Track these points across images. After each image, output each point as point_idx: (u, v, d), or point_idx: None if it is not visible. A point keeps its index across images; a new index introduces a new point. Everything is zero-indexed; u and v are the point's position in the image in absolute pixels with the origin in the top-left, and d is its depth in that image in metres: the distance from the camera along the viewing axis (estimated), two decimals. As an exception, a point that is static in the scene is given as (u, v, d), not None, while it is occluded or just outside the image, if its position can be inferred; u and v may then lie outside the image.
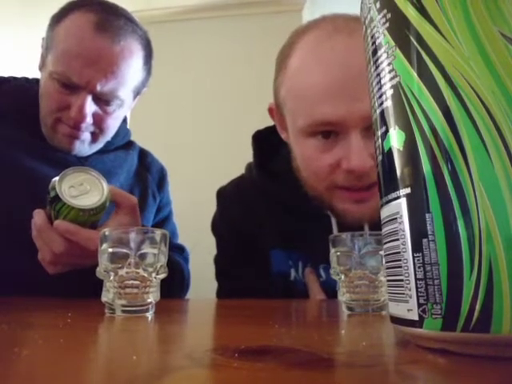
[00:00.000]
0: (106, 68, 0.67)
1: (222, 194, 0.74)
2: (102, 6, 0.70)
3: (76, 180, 0.53)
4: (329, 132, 0.54)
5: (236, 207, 0.70)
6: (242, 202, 0.70)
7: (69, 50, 0.66)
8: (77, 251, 0.53)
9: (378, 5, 0.23)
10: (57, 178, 0.53)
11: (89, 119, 0.69)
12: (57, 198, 0.52)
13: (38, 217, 0.55)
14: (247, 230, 0.67)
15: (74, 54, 0.66)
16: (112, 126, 0.75)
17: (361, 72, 0.29)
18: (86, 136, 0.72)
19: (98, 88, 0.67)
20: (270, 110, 0.66)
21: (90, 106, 0.68)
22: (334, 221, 0.60)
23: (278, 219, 0.65)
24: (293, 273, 0.64)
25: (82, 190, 0.53)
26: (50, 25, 0.71)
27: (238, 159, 0.85)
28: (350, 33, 0.52)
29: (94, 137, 0.73)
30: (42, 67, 0.73)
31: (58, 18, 0.70)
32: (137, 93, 0.77)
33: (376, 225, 0.25)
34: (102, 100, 0.69)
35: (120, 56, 0.68)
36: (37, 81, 0.81)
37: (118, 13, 0.70)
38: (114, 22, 0.68)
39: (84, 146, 0.73)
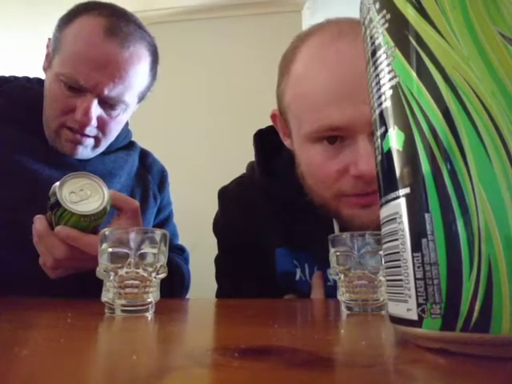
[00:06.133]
0: (114, 73, 0.67)
1: (224, 194, 0.74)
2: (111, 10, 0.70)
3: (76, 185, 0.53)
4: (335, 137, 0.52)
5: (238, 207, 0.70)
6: (244, 201, 0.69)
7: (78, 53, 0.67)
8: (78, 256, 0.53)
9: (377, 5, 0.23)
10: (57, 184, 0.52)
11: (94, 122, 0.69)
12: (57, 204, 0.52)
13: (39, 223, 0.55)
14: (249, 230, 0.67)
15: (82, 58, 0.66)
16: (115, 130, 0.75)
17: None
18: (89, 142, 0.72)
19: (106, 92, 0.67)
20: (273, 117, 0.65)
21: (96, 110, 0.68)
22: (336, 225, 0.59)
23: (280, 219, 0.65)
24: (298, 273, 0.63)
25: (83, 195, 0.53)
26: (58, 26, 0.71)
27: (238, 159, 0.85)
28: (355, 36, 0.51)
29: (97, 141, 0.73)
30: (47, 68, 0.73)
31: (67, 20, 0.70)
32: (141, 98, 0.77)
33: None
34: (108, 104, 0.70)
35: (128, 61, 0.68)
36: (38, 80, 0.81)
37: (128, 18, 0.71)
38: (124, 27, 0.68)
39: (87, 151, 0.74)
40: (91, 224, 0.53)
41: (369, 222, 0.53)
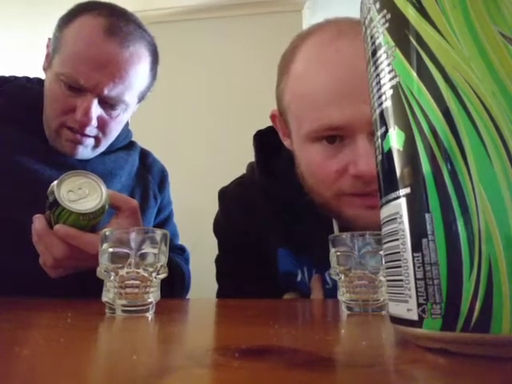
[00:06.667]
0: (115, 72, 0.67)
1: (224, 194, 0.74)
2: (111, 10, 0.70)
3: (74, 184, 0.53)
4: (334, 137, 0.52)
5: (238, 207, 0.70)
6: (244, 201, 0.69)
7: (78, 53, 0.67)
8: (77, 255, 0.53)
9: (377, 5, 0.23)
10: (55, 183, 0.53)
11: (94, 122, 0.69)
12: (56, 203, 0.52)
13: (38, 222, 0.55)
14: (250, 230, 0.67)
15: (82, 57, 0.66)
16: (115, 130, 0.75)
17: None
18: (90, 141, 0.72)
19: (106, 92, 0.67)
20: (273, 117, 0.64)
21: (96, 109, 0.68)
22: (335, 225, 0.59)
23: (280, 219, 0.65)
24: (300, 274, 0.63)
25: (81, 193, 0.53)
26: (58, 26, 0.71)
27: (238, 159, 0.85)
28: (355, 35, 0.50)
29: (97, 141, 0.73)
30: (46, 68, 0.73)
31: (67, 20, 0.70)
32: (141, 98, 0.77)
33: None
34: (108, 104, 0.70)
35: (128, 61, 0.68)
36: (38, 80, 0.81)
37: (128, 18, 0.70)
38: (124, 27, 0.68)
39: (87, 151, 0.74)
40: (90, 222, 0.53)
41: (372, 223, 0.52)
